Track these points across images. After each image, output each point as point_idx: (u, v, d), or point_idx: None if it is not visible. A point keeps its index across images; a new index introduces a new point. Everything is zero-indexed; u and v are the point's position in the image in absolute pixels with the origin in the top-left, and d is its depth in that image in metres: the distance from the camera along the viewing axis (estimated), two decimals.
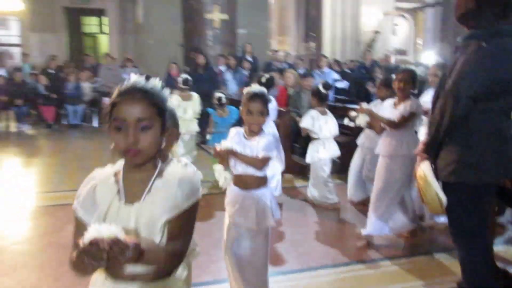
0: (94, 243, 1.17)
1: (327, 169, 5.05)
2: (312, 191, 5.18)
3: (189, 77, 6.04)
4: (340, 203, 5.10)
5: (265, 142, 2.63)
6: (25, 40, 17.13)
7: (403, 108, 3.83)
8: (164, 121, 1.45)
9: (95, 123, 11.32)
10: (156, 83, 1.47)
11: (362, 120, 4.33)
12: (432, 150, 2.51)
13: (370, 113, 4.11)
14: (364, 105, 4.25)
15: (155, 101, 1.42)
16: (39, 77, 11.28)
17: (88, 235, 1.20)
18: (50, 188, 5.98)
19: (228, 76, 9.55)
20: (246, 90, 2.70)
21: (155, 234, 1.43)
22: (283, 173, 5.33)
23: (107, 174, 1.52)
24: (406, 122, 3.83)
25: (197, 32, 10.75)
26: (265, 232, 2.73)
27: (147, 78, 1.47)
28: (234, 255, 2.71)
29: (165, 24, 11.03)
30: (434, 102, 2.57)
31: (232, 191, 2.78)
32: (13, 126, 10.90)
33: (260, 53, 11.29)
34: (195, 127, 6.02)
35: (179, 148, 5.67)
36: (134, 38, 14.27)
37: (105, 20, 17.48)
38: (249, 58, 10.28)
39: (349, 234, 4.47)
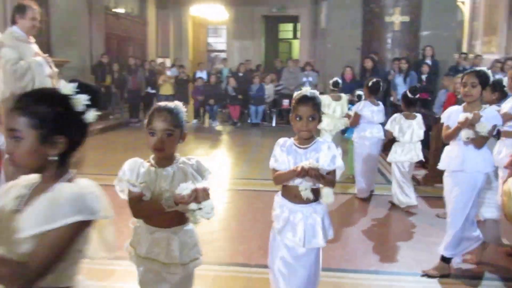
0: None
1: (404, 171, 5.09)
2: (392, 192, 5.25)
3: (339, 80, 6.69)
4: (416, 206, 5.08)
5: (330, 154, 2.36)
6: (229, 46, 19.12)
7: None
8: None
9: (273, 123, 12.04)
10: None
11: None
12: None
13: None
14: None
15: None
16: (229, 79, 12.50)
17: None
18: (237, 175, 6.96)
19: (399, 80, 9.16)
20: (295, 93, 2.48)
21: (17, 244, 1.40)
22: None
23: None
24: None
25: (376, 36, 10.56)
26: (315, 252, 2.47)
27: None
28: (280, 274, 2.48)
29: (345, 28, 11.09)
30: None
31: (279, 203, 2.50)
32: (207, 122, 12.36)
33: (446, 56, 10.52)
34: (341, 125, 6.42)
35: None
36: (319, 43, 14.69)
37: (298, 26, 18.37)
38: (429, 62, 9.68)
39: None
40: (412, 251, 4.07)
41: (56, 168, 1.48)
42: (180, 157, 2.13)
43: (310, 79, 11.88)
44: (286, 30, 20.38)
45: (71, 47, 11.04)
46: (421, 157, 5.10)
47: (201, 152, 8.76)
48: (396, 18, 10.13)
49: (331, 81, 6.69)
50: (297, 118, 2.38)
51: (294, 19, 18.71)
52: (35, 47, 4.62)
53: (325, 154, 2.35)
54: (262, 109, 12.14)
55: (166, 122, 2.01)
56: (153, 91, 12.20)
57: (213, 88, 12.45)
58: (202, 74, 13.27)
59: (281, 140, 2.48)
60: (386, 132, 5.16)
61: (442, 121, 3.52)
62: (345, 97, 6.52)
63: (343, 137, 6.74)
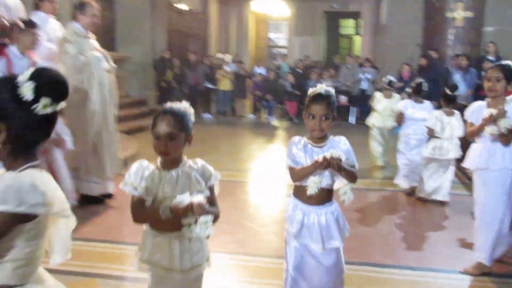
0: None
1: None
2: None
3: (392, 79, 6.94)
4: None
5: (346, 149, 2.35)
6: (289, 42, 19.17)
7: None
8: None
9: None
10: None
11: None
12: None
13: None
14: None
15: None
16: (288, 75, 12.58)
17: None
18: None
19: (458, 77, 8.85)
20: (310, 90, 2.39)
21: None
22: None
23: None
24: None
25: (437, 32, 10.23)
26: (335, 251, 2.43)
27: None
28: (300, 277, 2.42)
29: (405, 24, 10.85)
30: None
31: (292, 204, 2.45)
32: (264, 117, 12.54)
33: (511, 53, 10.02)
34: (391, 122, 6.63)
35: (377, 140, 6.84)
36: (380, 39, 14.42)
37: (360, 22, 18.10)
38: (491, 58, 9.26)
39: None
40: (450, 248, 4.03)
41: (14, 157, 1.46)
42: (187, 160, 2.08)
43: (368, 75, 11.71)
44: (347, 26, 20.13)
45: (134, 42, 11.57)
46: (458, 153, 5.08)
47: (256, 147, 8.95)
48: (458, 14, 9.76)
49: (385, 80, 6.92)
50: (310, 117, 2.31)
51: (355, 15, 18.45)
52: (94, 43, 4.94)
53: (341, 151, 2.28)
54: None
55: (169, 125, 1.97)
56: (212, 86, 12.51)
57: (271, 83, 12.60)
58: (260, 70, 13.44)
59: (296, 138, 2.43)
60: (428, 129, 5.17)
61: (465, 117, 3.43)
62: (397, 96, 6.84)
63: (393, 133, 6.81)
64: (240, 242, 4.01)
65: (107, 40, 10.86)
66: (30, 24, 4.30)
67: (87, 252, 3.69)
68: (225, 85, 12.51)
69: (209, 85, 12.52)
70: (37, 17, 5.17)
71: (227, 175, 3.91)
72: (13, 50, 4.18)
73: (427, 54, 9.28)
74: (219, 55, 14.87)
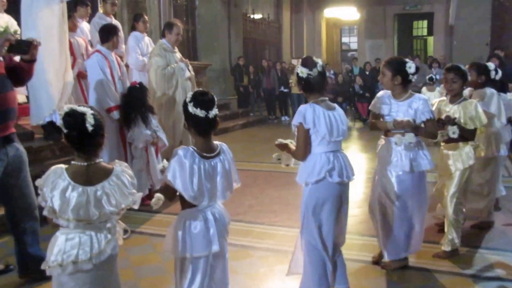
0: None
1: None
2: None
3: (433, 76, 8.24)
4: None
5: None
6: (360, 46, 19.53)
7: None
8: None
9: None
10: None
11: None
12: None
13: None
14: None
15: None
16: (356, 78, 13.08)
17: None
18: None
19: None
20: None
21: None
22: None
23: None
24: None
25: (505, 30, 10.32)
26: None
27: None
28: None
29: (473, 24, 10.99)
30: None
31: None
32: None
33: None
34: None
35: None
36: (451, 39, 14.48)
37: (433, 23, 18.05)
38: None
39: None
40: None
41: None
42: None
43: (437, 76, 11.91)
44: (420, 27, 20.08)
45: (213, 51, 12.71)
46: None
47: None
48: None
49: (427, 77, 7.94)
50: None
51: (429, 16, 18.41)
52: (179, 55, 5.90)
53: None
54: None
55: None
56: (286, 90, 13.30)
57: (340, 86, 13.17)
58: (330, 74, 14.04)
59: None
60: None
61: (369, 107, 3.62)
62: (437, 88, 7.78)
63: None
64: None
65: (191, 50, 12.09)
66: (114, 29, 5.12)
67: None
68: (297, 89, 13.17)
69: (283, 89, 13.31)
70: (134, 35, 6.31)
71: None
72: (103, 49, 4.98)
73: (496, 54, 9.38)
74: (294, 61, 15.65)
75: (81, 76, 5.89)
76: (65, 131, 1.98)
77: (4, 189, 3.17)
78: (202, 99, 2.17)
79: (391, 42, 18.61)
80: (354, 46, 21.67)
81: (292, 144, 2.76)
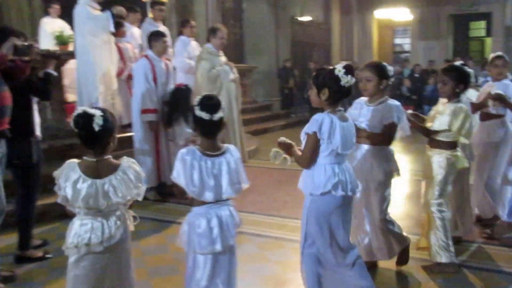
0: None
1: None
2: None
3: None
4: None
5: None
6: (413, 47, 19.11)
7: None
8: None
9: None
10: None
11: None
12: None
13: None
14: None
15: None
16: (404, 80, 12.86)
17: None
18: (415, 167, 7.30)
19: None
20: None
21: None
22: None
23: None
24: None
25: None
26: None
27: None
28: None
29: None
30: None
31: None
32: None
33: None
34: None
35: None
36: (509, 40, 13.94)
37: (490, 23, 17.41)
38: None
39: None
40: None
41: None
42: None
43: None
44: (477, 28, 19.38)
45: (260, 54, 12.90)
46: None
47: None
48: None
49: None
50: None
51: (486, 16, 17.76)
52: (223, 58, 6.10)
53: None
54: None
55: None
56: None
57: (388, 88, 12.96)
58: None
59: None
60: None
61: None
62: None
63: None
64: None
65: (237, 53, 12.32)
66: (161, 34, 5.30)
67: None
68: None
69: None
70: (181, 39, 6.57)
71: None
72: (151, 54, 5.18)
73: None
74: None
75: (129, 78, 6.21)
76: (76, 130, 2.23)
77: None
78: (207, 103, 2.30)
79: (445, 44, 18.10)
80: (407, 47, 21.19)
81: (297, 148, 2.70)
